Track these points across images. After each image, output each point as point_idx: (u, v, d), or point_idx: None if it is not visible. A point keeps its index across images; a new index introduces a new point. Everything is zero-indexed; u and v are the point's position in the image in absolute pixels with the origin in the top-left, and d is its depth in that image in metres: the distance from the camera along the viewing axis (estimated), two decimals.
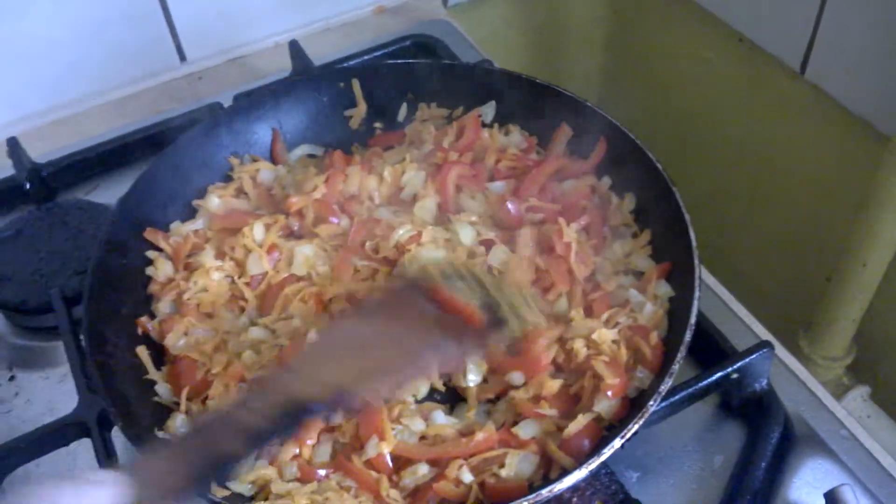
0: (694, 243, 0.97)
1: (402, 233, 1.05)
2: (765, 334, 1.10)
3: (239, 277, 1.04)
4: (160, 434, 0.92)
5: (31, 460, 0.98)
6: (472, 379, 0.95)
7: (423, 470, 0.86)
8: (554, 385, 0.91)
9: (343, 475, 0.87)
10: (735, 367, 0.96)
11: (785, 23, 1.50)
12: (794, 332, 1.65)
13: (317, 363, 0.84)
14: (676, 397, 0.93)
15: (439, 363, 0.91)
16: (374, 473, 0.86)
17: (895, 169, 1.31)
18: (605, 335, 0.93)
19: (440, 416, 0.93)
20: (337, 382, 0.80)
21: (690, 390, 0.94)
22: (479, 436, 0.87)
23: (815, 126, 1.55)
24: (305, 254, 1.04)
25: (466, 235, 1.04)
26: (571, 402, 0.91)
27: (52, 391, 1.11)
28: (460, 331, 0.88)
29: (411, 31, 1.55)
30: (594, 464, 0.80)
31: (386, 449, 0.87)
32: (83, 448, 1.00)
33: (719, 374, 0.95)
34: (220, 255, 1.06)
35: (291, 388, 0.77)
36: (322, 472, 0.87)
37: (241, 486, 0.86)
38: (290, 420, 0.75)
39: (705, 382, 0.95)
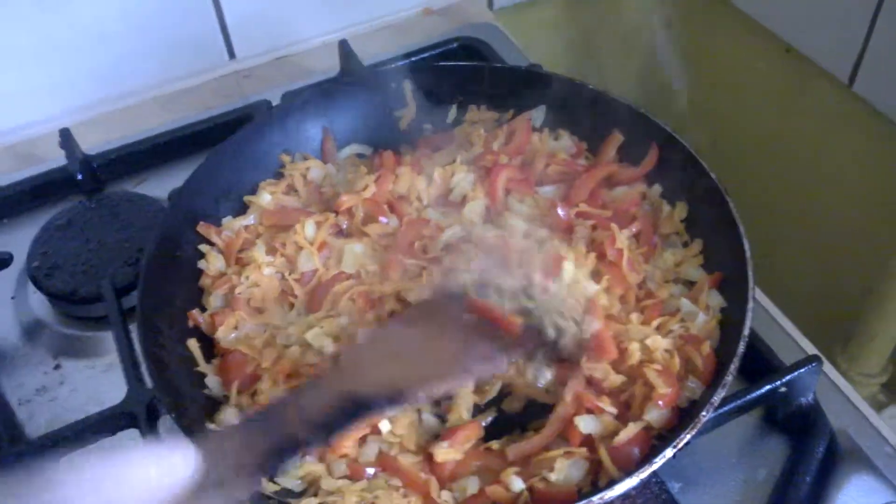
0: (748, 254, 0.96)
1: (450, 234, 1.06)
2: (810, 348, 1.10)
3: (289, 273, 1.05)
4: (210, 426, 0.93)
5: (78, 449, 1.00)
6: (543, 378, 0.95)
7: (472, 485, 0.87)
8: (617, 379, 0.91)
9: (390, 475, 0.88)
10: (783, 380, 0.95)
11: (834, 34, 1.49)
12: (832, 347, 1.63)
13: (368, 362, 0.85)
14: (724, 409, 0.92)
15: (483, 367, 0.92)
16: (422, 475, 0.86)
17: None
18: (659, 343, 0.92)
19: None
20: (390, 381, 0.80)
21: (738, 402, 0.94)
22: (533, 438, 0.87)
23: (862, 139, 1.53)
24: (355, 252, 1.05)
25: (518, 228, 1.04)
26: (623, 408, 0.91)
27: (97, 381, 1.12)
28: (498, 337, 0.89)
29: (458, 33, 1.55)
30: (646, 472, 0.80)
31: (450, 457, 0.87)
32: (129, 438, 1.01)
33: (767, 388, 0.95)
34: (271, 250, 1.07)
35: (349, 384, 0.78)
36: (371, 471, 0.88)
37: (291, 481, 0.87)
38: (350, 415, 0.76)
39: (754, 395, 0.94)
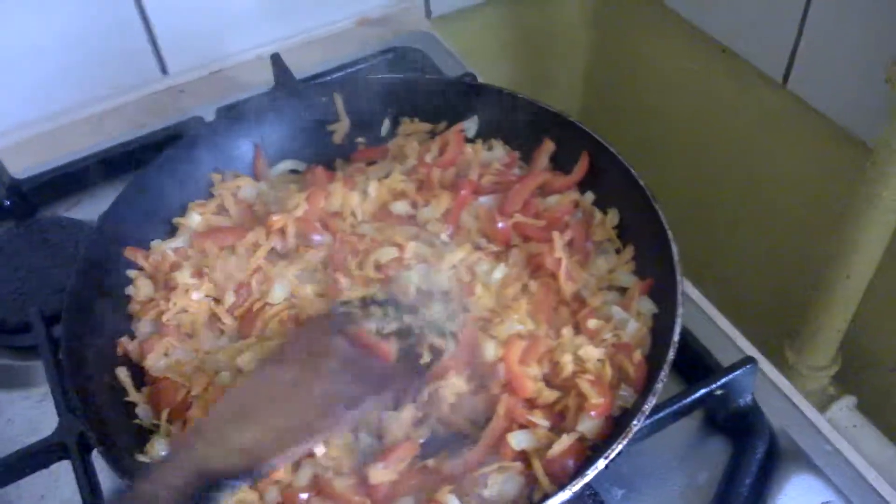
0: (676, 258, 0.96)
1: (383, 253, 1.05)
2: (749, 348, 1.10)
3: (216, 304, 1.03)
4: (140, 457, 0.90)
5: (12, 482, 0.97)
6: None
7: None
8: (550, 395, 0.91)
9: (323, 500, 0.86)
10: (719, 383, 0.96)
11: (767, 34, 1.51)
12: (780, 343, 1.65)
13: (227, 425, 0.82)
14: (660, 415, 0.92)
15: (355, 413, 0.89)
16: (357, 498, 0.85)
17: (878, 179, 1.32)
18: (592, 353, 0.92)
19: None
20: (249, 448, 0.78)
21: (674, 407, 0.94)
22: (467, 453, 0.86)
23: (799, 136, 1.55)
24: (285, 282, 1.04)
25: (455, 256, 1.04)
26: (557, 419, 0.90)
27: (34, 411, 1.10)
28: (373, 370, 0.88)
29: (394, 43, 1.55)
30: (577, 486, 0.79)
31: (385, 478, 0.86)
32: (64, 469, 0.99)
33: (703, 391, 0.95)
34: (198, 273, 1.05)
35: (203, 458, 0.76)
36: (304, 496, 0.86)
37: None
38: (206, 491, 0.74)
39: (689, 399, 0.95)
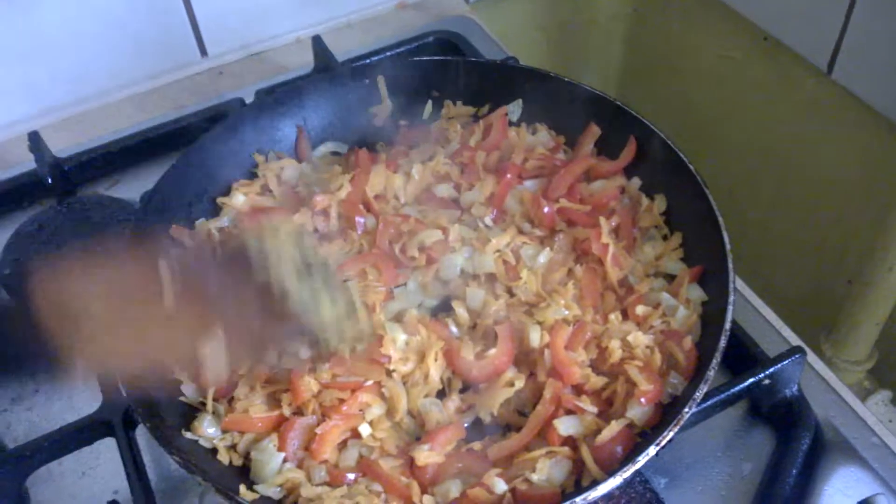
0: (728, 247, 0.95)
1: (427, 235, 1.04)
2: (794, 339, 1.09)
3: None
4: (187, 434, 0.91)
5: (55, 459, 0.98)
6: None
7: (454, 488, 0.85)
8: (598, 381, 0.90)
9: (370, 481, 0.86)
10: (767, 372, 0.95)
11: (812, 22, 1.48)
12: (816, 336, 1.63)
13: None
14: (708, 403, 0.92)
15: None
16: (403, 479, 0.85)
17: None
18: (640, 339, 0.92)
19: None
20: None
21: (722, 396, 0.93)
22: (513, 437, 0.86)
23: (841, 127, 1.53)
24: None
25: (501, 240, 1.03)
26: (605, 405, 0.90)
27: (73, 390, 1.10)
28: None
29: (433, 27, 1.53)
30: (628, 472, 0.79)
31: (431, 460, 0.86)
32: (105, 447, 0.99)
33: (751, 381, 0.94)
34: None
35: None
36: (351, 476, 0.86)
37: (269, 489, 0.85)
38: None
39: (737, 388, 0.94)
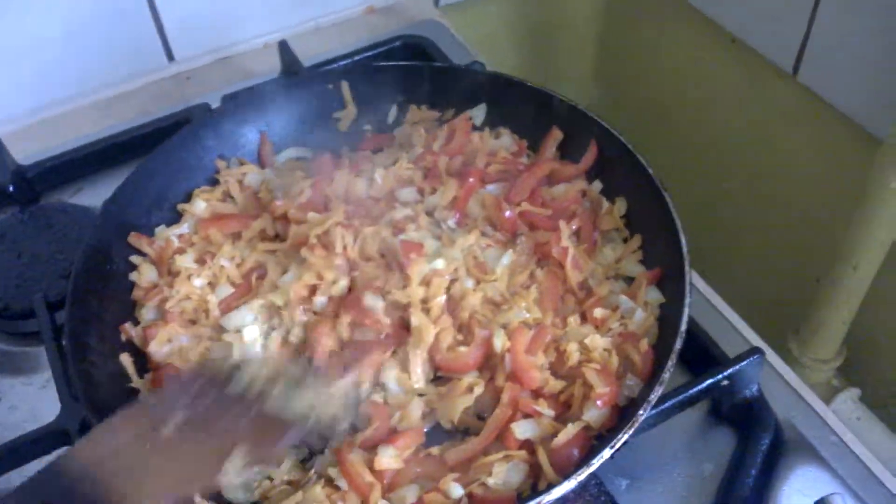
0: (685, 249, 0.96)
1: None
2: (755, 339, 1.10)
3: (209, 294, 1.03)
4: None
5: (14, 469, 0.97)
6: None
7: (410, 495, 0.85)
8: (556, 385, 0.91)
9: (339, 473, 0.86)
10: (725, 374, 0.95)
11: (777, 25, 1.50)
12: (784, 335, 1.64)
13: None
14: (666, 405, 0.92)
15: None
16: (367, 478, 0.84)
17: (887, 171, 1.31)
18: (598, 342, 0.92)
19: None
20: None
21: (680, 398, 0.93)
22: (471, 441, 0.86)
23: (808, 128, 1.54)
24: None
25: (465, 242, 1.03)
26: (562, 408, 0.90)
27: (36, 397, 1.09)
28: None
29: (402, 31, 1.54)
30: (583, 475, 0.79)
31: (391, 465, 0.86)
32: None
33: (709, 382, 0.94)
34: (202, 259, 1.04)
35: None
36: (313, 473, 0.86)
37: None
38: None
39: (695, 389, 0.94)
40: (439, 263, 0.98)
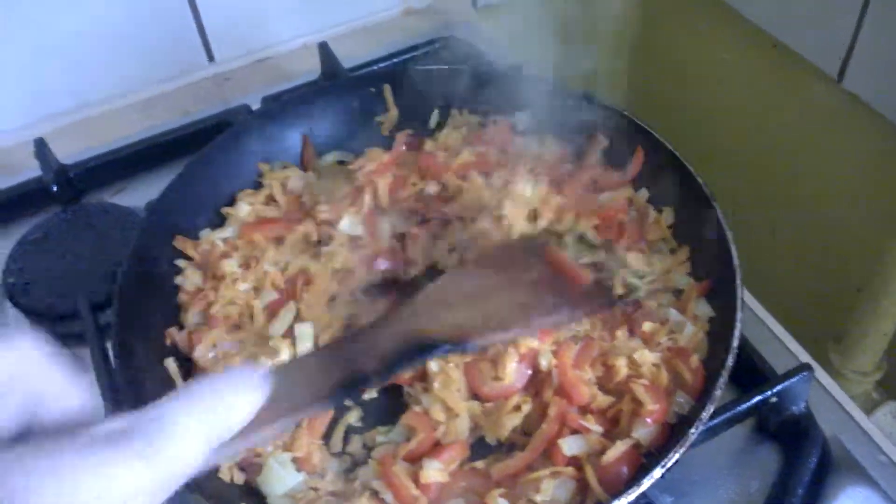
0: (736, 262, 0.94)
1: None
2: (802, 354, 1.08)
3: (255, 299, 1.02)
4: None
5: None
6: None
7: None
8: (604, 400, 0.89)
9: (383, 485, 0.85)
10: (774, 390, 0.93)
11: (823, 29, 1.47)
12: (824, 346, 1.62)
13: (437, 305, 0.85)
14: (714, 422, 0.90)
15: (547, 319, 0.91)
16: (413, 491, 0.84)
17: None
18: (647, 357, 0.90)
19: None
20: (456, 325, 0.82)
21: (728, 415, 0.92)
22: (517, 457, 0.85)
23: (852, 135, 1.51)
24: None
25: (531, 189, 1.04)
26: (610, 424, 0.89)
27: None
28: (568, 291, 0.91)
29: (440, 33, 1.53)
30: (633, 495, 0.78)
31: (437, 478, 0.85)
32: None
33: (758, 398, 0.93)
34: (246, 263, 1.04)
35: (417, 325, 0.79)
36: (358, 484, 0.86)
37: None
38: (415, 353, 0.77)
39: (744, 406, 0.92)
40: None
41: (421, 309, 0.83)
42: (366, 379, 0.71)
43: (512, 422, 0.89)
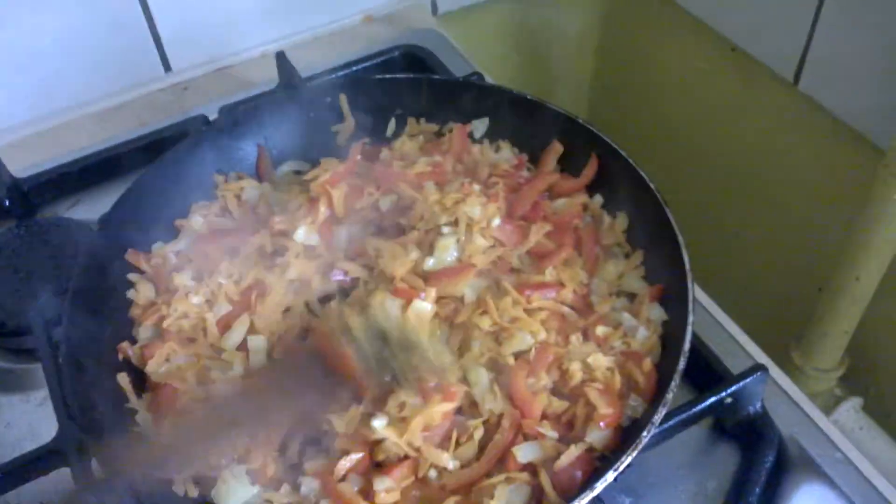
0: (688, 266, 0.95)
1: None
2: (758, 354, 1.09)
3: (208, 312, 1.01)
4: None
5: (11, 489, 0.96)
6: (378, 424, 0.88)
7: None
8: (559, 405, 0.89)
9: (332, 503, 0.85)
10: (729, 391, 0.94)
11: (778, 33, 1.49)
12: (785, 344, 1.64)
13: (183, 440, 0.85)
14: (669, 424, 0.91)
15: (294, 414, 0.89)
16: None
17: (890, 182, 1.30)
18: (601, 361, 0.91)
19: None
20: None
21: (683, 416, 0.92)
22: (471, 468, 0.85)
23: (809, 138, 1.53)
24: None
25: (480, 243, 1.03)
26: (565, 429, 0.89)
27: (34, 415, 1.09)
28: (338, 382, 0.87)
29: (400, 40, 1.53)
30: (586, 498, 0.78)
31: (390, 499, 0.84)
32: (63, 478, 0.97)
33: (713, 399, 0.94)
34: (200, 276, 1.03)
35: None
36: (307, 490, 0.85)
37: None
38: None
39: (699, 408, 0.93)
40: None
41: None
42: None
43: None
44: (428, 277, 0.99)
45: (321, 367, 0.87)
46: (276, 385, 0.90)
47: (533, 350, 0.93)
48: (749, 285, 1.74)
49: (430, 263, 1.00)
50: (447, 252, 1.01)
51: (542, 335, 0.94)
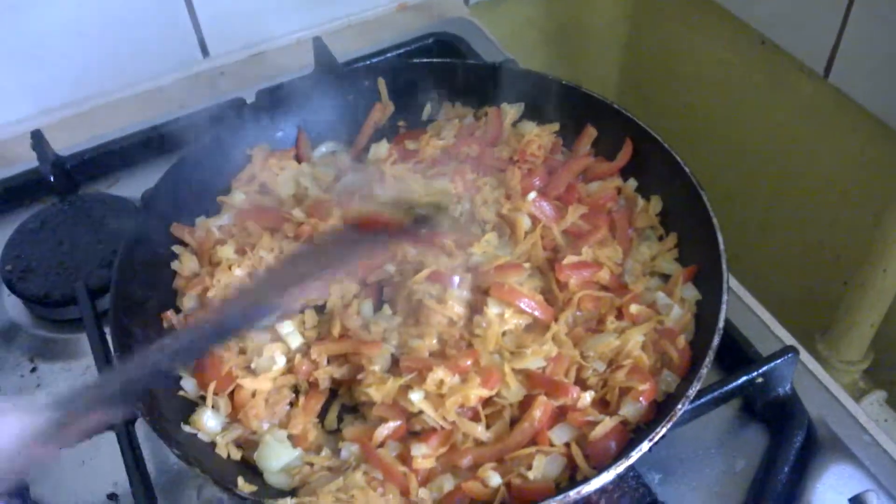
0: (722, 247, 0.96)
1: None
2: (788, 338, 1.10)
3: None
4: (186, 428, 0.92)
5: None
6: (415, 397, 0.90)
7: (447, 483, 0.86)
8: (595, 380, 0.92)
9: (371, 466, 0.87)
10: (760, 371, 0.96)
11: (809, 26, 1.49)
12: (812, 336, 1.64)
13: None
14: (701, 401, 0.92)
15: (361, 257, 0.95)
16: (402, 468, 0.86)
17: None
18: (635, 338, 0.92)
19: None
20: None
21: (715, 394, 0.94)
22: (508, 441, 0.87)
23: (838, 130, 1.54)
24: None
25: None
26: (601, 407, 0.91)
27: (74, 383, 1.11)
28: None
29: (433, 28, 1.55)
30: (622, 467, 0.80)
31: (426, 464, 0.87)
32: (105, 440, 1.00)
33: (744, 379, 0.95)
34: (242, 250, 1.06)
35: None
36: (347, 454, 0.88)
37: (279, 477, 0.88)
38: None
39: (730, 387, 0.95)
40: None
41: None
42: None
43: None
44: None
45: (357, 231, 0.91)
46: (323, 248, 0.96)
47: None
48: (777, 275, 1.75)
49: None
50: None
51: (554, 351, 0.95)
